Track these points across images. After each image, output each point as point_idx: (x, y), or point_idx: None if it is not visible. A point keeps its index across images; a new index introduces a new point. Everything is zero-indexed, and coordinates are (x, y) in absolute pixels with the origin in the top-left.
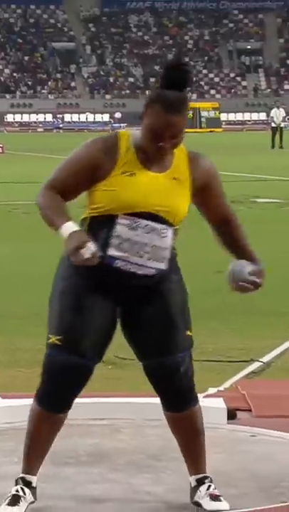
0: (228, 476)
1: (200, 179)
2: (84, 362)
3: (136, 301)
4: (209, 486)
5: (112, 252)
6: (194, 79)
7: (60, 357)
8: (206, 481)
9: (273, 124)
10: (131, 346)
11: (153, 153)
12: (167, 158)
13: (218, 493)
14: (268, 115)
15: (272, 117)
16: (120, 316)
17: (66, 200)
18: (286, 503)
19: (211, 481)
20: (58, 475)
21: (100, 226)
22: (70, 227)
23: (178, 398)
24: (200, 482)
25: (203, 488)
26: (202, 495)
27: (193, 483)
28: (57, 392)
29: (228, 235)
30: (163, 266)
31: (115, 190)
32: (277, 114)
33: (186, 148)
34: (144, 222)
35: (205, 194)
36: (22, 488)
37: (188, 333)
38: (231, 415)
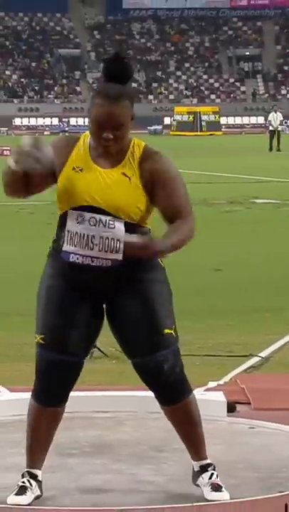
0: (227, 466)
1: (147, 177)
2: (68, 358)
3: (112, 300)
4: (212, 475)
5: (65, 247)
6: (194, 84)
7: (45, 355)
8: (210, 468)
9: (271, 128)
10: (117, 343)
11: (101, 147)
12: (120, 154)
13: (219, 483)
14: (266, 119)
15: (269, 121)
16: (102, 311)
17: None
18: (283, 493)
19: (214, 469)
20: (62, 466)
21: (60, 224)
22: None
23: (168, 392)
24: (203, 469)
25: (205, 476)
26: (204, 482)
27: (196, 469)
28: (49, 388)
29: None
30: (119, 256)
31: (64, 186)
32: (275, 117)
33: (145, 146)
34: (89, 215)
35: (154, 193)
36: (28, 480)
37: (167, 331)
38: (231, 408)
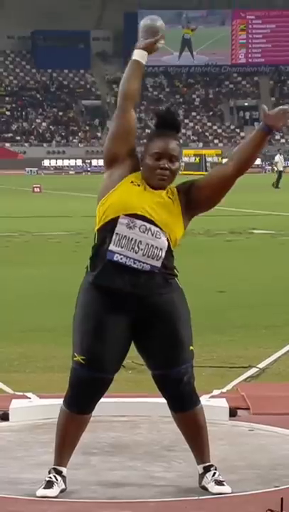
0: (229, 464)
1: (183, 199)
2: (104, 376)
3: (146, 318)
4: (214, 473)
5: (111, 247)
6: (200, 130)
7: (84, 373)
8: (212, 469)
9: (276, 168)
10: (142, 357)
11: (154, 178)
12: (164, 186)
13: (222, 479)
14: (262, 161)
15: (276, 162)
16: (132, 330)
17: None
18: (279, 488)
19: (215, 469)
20: (85, 463)
21: (105, 231)
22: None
23: (181, 401)
24: (206, 470)
25: (209, 475)
26: (208, 480)
27: (201, 471)
28: (81, 399)
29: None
30: (158, 264)
31: (121, 194)
32: (281, 159)
33: (177, 185)
34: (140, 222)
35: (194, 196)
36: (55, 476)
37: (191, 347)
38: (232, 413)
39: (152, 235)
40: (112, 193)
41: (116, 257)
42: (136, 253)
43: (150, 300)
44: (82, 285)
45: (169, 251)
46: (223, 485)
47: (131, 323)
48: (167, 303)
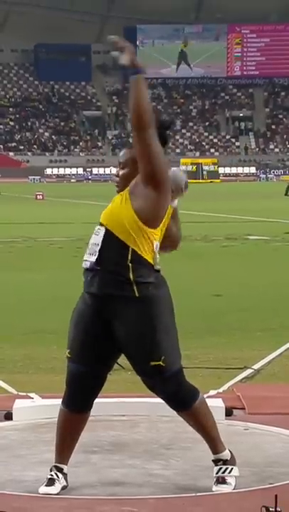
0: None
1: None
2: (87, 369)
3: (110, 320)
4: (220, 469)
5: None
6: (197, 140)
7: (71, 367)
8: (219, 463)
9: None
10: None
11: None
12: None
13: (224, 476)
14: (256, 169)
15: None
16: (108, 330)
17: None
18: (274, 485)
19: (223, 463)
20: (86, 461)
21: None
22: None
23: (169, 403)
24: (214, 463)
25: (214, 470)
26: (213, 476)
27: (212, 463)
28: (74, 396)
29: None
30: (92, 258)
31: None
32: None
33: None
34: (96, 227)
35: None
36: (56, 473)
37: (153, 363)
38: (228, 412)
39: (95, 234)
40: None
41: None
42: (85, 253)
43: (105, 300)
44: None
45: (112, 244)
46: (225, 483)
47: (103, 323)
48: (122, 316)
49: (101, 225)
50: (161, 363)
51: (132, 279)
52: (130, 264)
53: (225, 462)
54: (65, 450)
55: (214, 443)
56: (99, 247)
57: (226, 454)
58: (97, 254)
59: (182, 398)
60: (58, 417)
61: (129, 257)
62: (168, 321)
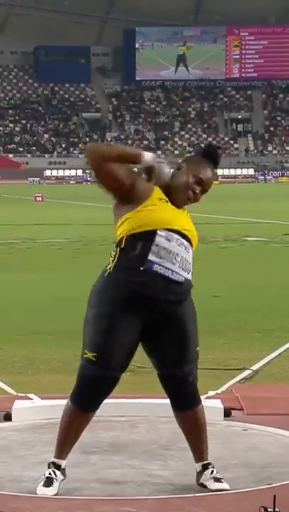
0: (224, 462)
1: None
2: (113, 374)
3: (160, 320)
4: (213, 471)
5: (151, 257)
6: (196, 141)
7: (94, 370)
8: (210, 466)
9: None
10: (149, 357)
11: (183, 196)
12: (183, 206)
13: (220, 476)
14: (255, 171)
15: None
16: (143, 332)
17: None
18: (272, 485)
19: (213, 467)
20: (85, 462)
21: (137, 241)
22: (149, 154)
23: (184, 400)
24: (205, 467)
25: (207, 472)
26: (207, 478)
27: (199, 469)
28: (88, 396)
29: None
30: (189, 277)
31: (155, 210)
32: None
33: None
34: (177, 236)
35: None
36: (54, 471)
37: (198, 348)
38: (227, 413)
39: (185, 249)
40: (145, 207)
41: (156, 267)
42: (174, 264)
43: (172, 306)
44: (100, 286)
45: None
46: (222, 482)
47: (142, 326)
48: (183, 306)
49: (187, 240)
50: (198, 348)
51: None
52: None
53: (213, 465)
54: (66, 446)
55: (207, 447)
56: (191, 266)
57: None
58: (191, 272)
59: (197, 392)
60: (64, 413)
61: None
62: None
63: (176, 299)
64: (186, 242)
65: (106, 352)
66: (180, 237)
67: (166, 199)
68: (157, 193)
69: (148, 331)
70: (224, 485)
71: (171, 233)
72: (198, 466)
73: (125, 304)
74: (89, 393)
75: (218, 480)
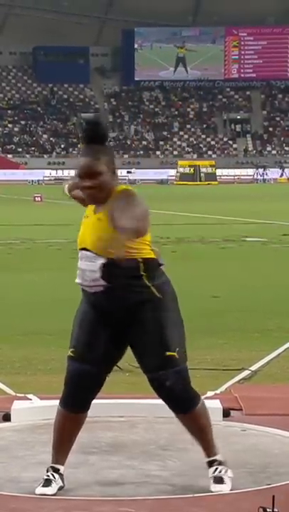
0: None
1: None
2: (90, 368)
3: (120, 325)
4: (216, 469)
5: (77, 280)
6: (195, 142)
7: (73, 365)
8: (214, 464)
9: None
10: None
11: (88, 200)
12: (105, 200)
13: (222, 476)
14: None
15: None
16: (117, 332)
17: None
18: (271, 485)
19: (219, 464)
20: (84, 462)
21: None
22: None
23: (172, 404)
24: (209, 465)
25: (211, 470)
26: (209, 476)
27: (205, 465)
28: (72, 395)
29: None
30: (103, 282)
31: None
32: None
33: (121, 189)
34: (84, 253)
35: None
36: (52, 474)
37: (169, 353)
38: (226, 413)
39: (90, 261)
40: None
41: (81, 287)
42: (86, 281)
43: (121, 313)
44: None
45: (113, 265)
46: (223, 482)
47: (118, 327)
48: (136, 311)
49: (89, 251)
50: (175, 354)
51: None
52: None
53: (220, 463)
54: (62, 451)
55: (211, 444)
56: (98, 274)
57: (220, 456)
58: (100, 277)
59: (187, 398)
60: (56, 417)
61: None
62: (177, 316)
63: (113, 309)
64: (90, 254)
65: (80, 345)
66: (85, 252)
67: (88, 214)
68: (87, 210)
69: (116, 335)
70: (224, 486)
71: (81, 251)
72: (205, 464)
73: (90, 306)
74: (73, 392)
75: (219, 481)
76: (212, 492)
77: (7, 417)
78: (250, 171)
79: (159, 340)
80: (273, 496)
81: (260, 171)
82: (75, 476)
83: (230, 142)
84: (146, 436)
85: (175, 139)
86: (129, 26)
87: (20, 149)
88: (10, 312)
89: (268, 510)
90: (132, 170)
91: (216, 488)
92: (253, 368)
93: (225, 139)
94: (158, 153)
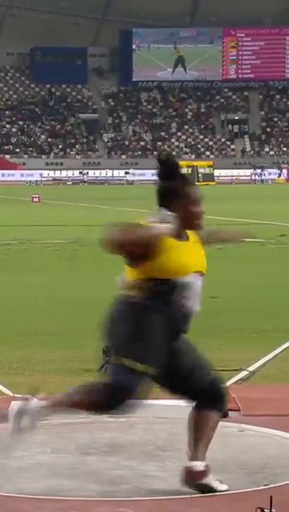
0: (221, 463)
1: None
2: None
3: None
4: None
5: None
6: (192, 142)
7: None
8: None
9: None
10: None
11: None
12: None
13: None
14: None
15: None
16: None
17: None
18: (268, 486)
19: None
20: (83, 462)
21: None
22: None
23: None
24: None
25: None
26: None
27: (202, 468)
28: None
29: None
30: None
31: None
32: None
33: None
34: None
35: None
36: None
37: (120, 354)
38: (224, 414)
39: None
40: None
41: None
42: (194, 302)
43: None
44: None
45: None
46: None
47: None
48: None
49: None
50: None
51: None
52: None
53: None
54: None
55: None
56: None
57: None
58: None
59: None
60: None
61: None
62: None
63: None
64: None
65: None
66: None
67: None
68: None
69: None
70: (221, 486)
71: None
72: (201, 466)
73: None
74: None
75: (221, 482)
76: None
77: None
78: (248, 172)
79: (118, 341)
80: (271, 497)
81: (258, 171)
82: (73, 476)
83: (228, 143)
84: (145, 437)
85: (173, 140)
86: (127, 27)
87: (18, 150)
88: (8, 313)
89: (265, 510)
90: (130, 170)
91: (223, 487)
92: (251, 368)
93: (223, 140)
94: (156, 153)
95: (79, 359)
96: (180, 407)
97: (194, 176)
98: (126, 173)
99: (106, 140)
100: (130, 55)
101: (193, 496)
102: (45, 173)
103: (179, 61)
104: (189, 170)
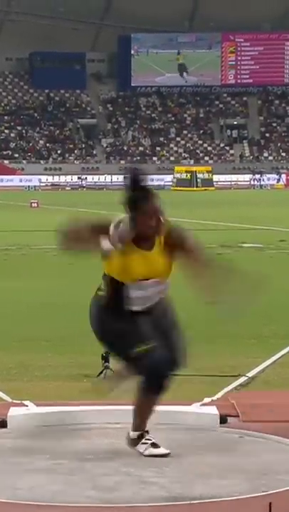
0: (219, 468)
1: None
2: None
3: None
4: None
5: None
6: (191, 148)
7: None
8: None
9: None
10: None
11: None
12: None
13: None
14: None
15: None
16: None
17: None
18: (267, 492)
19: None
20: (80, 469)
21: None
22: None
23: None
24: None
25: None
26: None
27: (134, 437)
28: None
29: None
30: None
31: None
32: None
33: None
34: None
35: None
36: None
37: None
38: (223, 420)
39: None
40: None
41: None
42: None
43: None
44: None
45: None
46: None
47: None
48: None
49: None
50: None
51: None
52: None
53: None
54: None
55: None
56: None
57: None
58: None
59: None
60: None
61: None
62: None
63: None
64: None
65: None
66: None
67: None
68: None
69: None
70: (161, 450)
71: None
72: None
73: None
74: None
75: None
76: (208, 500)
77: (3, 424)
78: (247, 177)
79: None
80: (270, 503)
81: (257, 176)
82: (71, 482)
83: (227, 148)
84: None
85: (172, 145)
86: (126, 32)
87: (16, 155)
88: (6, 318)
89: None
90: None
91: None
92: (250, 374)
93: (222, 145)
94: (154, 159)
95: (78, 364)
96: (178, 413)
97: (193, 181)
98: (124, 178)
99: (105, 145)
100: (129, 60)
101: (191, 502)
102: (43, 178)
103: (181, 68)
104: (188, 175)
